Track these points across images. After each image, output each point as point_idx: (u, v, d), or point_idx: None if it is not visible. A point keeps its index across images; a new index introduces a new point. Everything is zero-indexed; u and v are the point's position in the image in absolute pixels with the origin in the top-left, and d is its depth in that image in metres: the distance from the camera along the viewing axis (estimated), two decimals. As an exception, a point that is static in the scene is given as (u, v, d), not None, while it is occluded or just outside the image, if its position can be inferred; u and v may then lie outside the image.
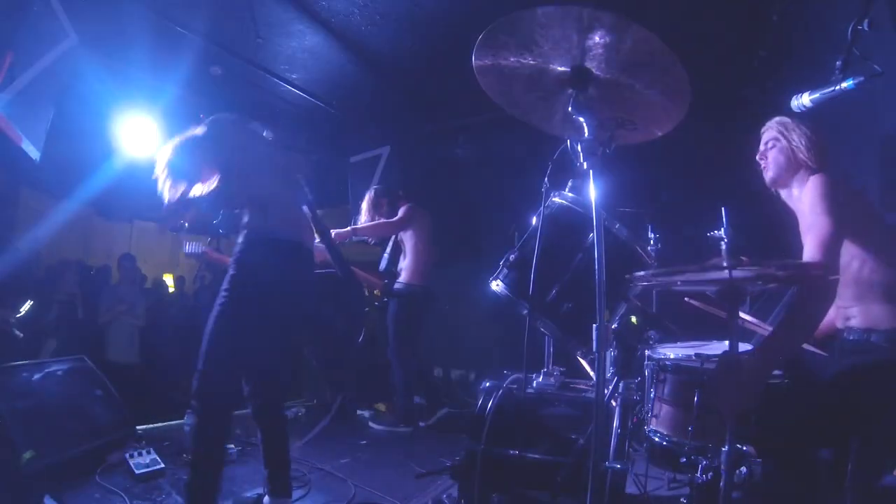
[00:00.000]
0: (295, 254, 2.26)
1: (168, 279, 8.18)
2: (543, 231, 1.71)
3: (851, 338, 1.78)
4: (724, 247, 1.53)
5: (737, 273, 1.29)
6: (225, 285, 2.12)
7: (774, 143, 1.95)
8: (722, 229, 1.55)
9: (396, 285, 4.01)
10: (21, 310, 4.49)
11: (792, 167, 1.93)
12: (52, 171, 4.02)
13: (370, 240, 4.25)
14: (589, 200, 1.36)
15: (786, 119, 1.94)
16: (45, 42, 3.14)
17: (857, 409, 1.66)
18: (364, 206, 4.14)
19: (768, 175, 1.97)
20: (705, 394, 1.65)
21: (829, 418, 1.68)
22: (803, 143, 1.88)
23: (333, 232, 3.75)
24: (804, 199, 1.78)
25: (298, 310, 2.35)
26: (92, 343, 4.83)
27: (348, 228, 3.87)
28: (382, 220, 4.05)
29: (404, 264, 4.05)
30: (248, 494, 2.45)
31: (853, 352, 1.76)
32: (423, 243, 4.04)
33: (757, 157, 1.98)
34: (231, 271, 2.14)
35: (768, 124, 1.98)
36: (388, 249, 4.29)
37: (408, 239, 4.07)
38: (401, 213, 4.05)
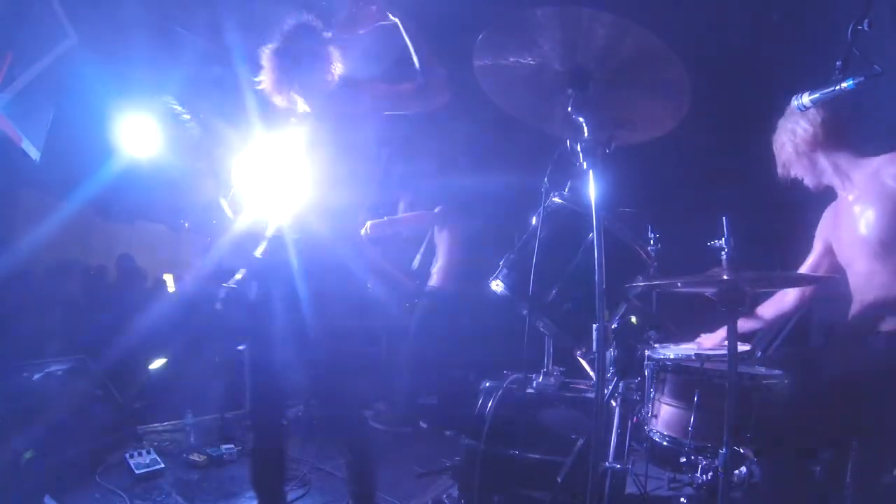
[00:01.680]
0: None
1: (168, 279, 8.17)
2: (543, 231, 1.71)
3: (849, 334, 1.77)
4: (724, 257, 1.53)
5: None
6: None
7: (785, 167, 1.94)
8: (723, 239, 1.54)
9: (427, 288, 3.96)
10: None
11: (811, 167, 1.88)
12: (52, 171, 4.01)
13: (404, 234, 4.24)
14: (588, 200, 1.36)
15: (776, 132, 1.92)
16: (45, 42, 3.14)
17: (858, 410, 1.66)
18: (400, 207, 4.15)
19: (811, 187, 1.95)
20: None
21: (829, 418, 1.68)
22: (793, 140, 1.86)
23: (369, 223, 3.75)
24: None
25: None
26: (90, 343, 4.82)
27: (385, 219, 3.82)
28: (420, 213, 4.04)
29: (437, 267, 3.98)
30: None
31: (853, 352, 1.76)
32: (458, 247, 3.95)
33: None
34: None
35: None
36: (422, 249, 4.22)
37: (442, 240, 4.00)
38: (438, 209, 4.00)
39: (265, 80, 2.03)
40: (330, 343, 1.84)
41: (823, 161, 1.87)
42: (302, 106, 2.05)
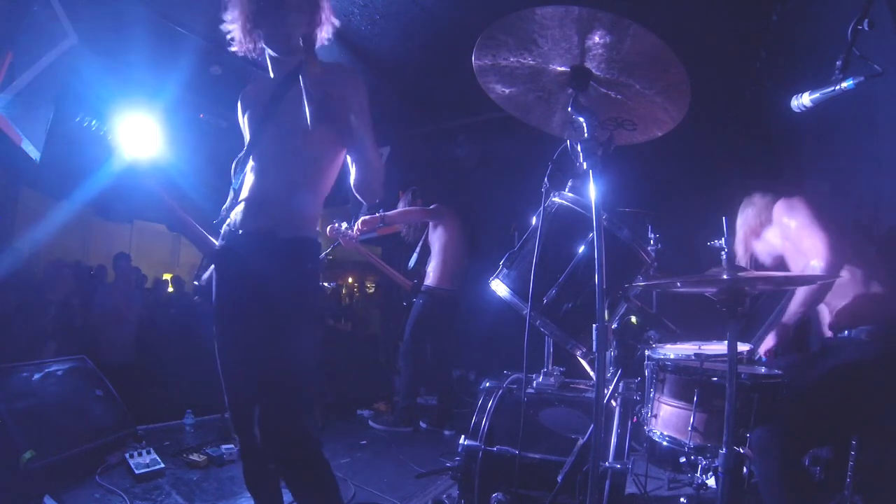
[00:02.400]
0: None
1: (168, 279, 8.19)
2: (543, 231, 1.71)
3: (835, 335, 1.81)
4: (724, 257, 1.55)
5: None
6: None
7: (749, 259, 2.21)
8: (723, 239, 1.56)
9: (423, 286, 3.98)
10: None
11: (757, 251, 2.18)
12: (52, 171, 4.01)
13: (402, 231, 4.27)
14: (589, 200, 1.36)
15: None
16: (45, 42, 3.14)
17: (854, 407, 1.66)
18: (399, 205, 4.19)
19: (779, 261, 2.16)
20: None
21: (827, 417, 1.68)
22: (743, 233, 2.17)
23: (362, 218, 3.76)
24: (791, 223, 2.01)
25: None
26: (88, 343, 4.82)
27: (378, 214, 3.82)
28: (414, 207, 4.07)
29: (431, 266, 4.00)
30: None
31: (840, 350, 1.78)
32: (453, 246, 3.97)
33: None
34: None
35: None
36: (418, 248, 4.25)
37: (437, 239, 4.02)
38: (433, 206, 4.04)
39: (235, 20, 1.70)
40: (272, 343, 1.61)
41: (762, 242, 2.16)
42: (269, 71, 1.80)
